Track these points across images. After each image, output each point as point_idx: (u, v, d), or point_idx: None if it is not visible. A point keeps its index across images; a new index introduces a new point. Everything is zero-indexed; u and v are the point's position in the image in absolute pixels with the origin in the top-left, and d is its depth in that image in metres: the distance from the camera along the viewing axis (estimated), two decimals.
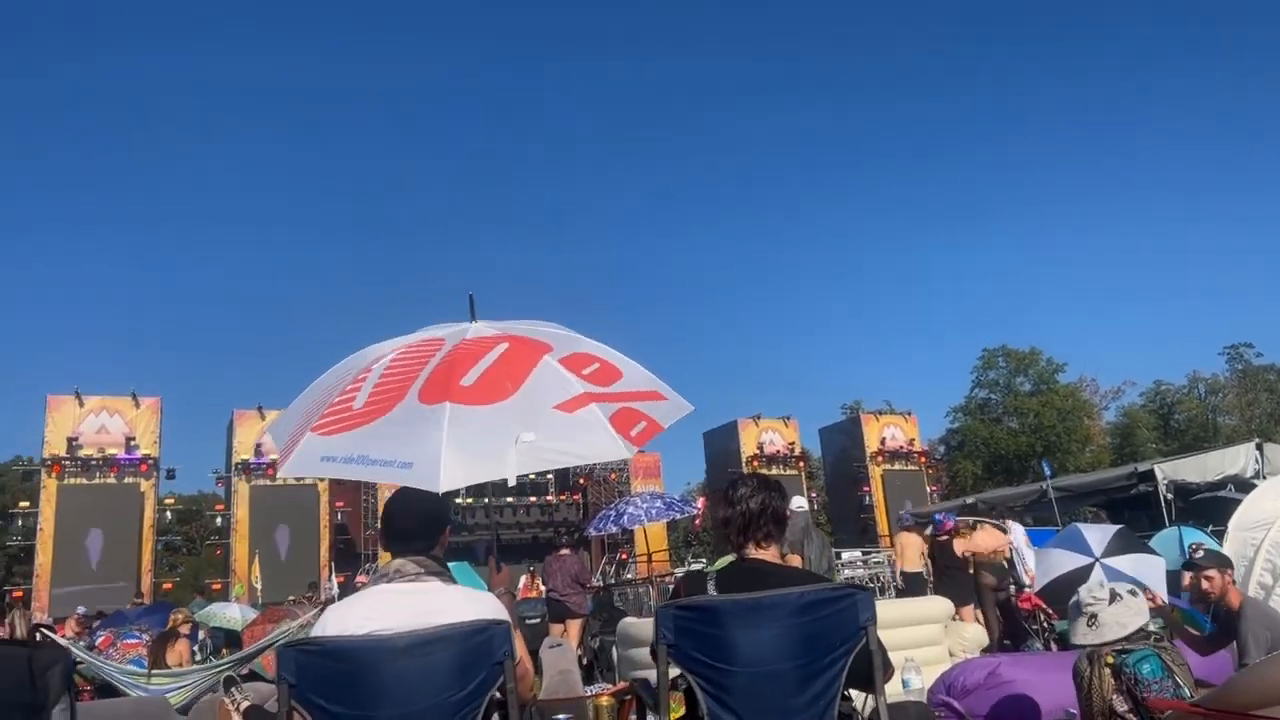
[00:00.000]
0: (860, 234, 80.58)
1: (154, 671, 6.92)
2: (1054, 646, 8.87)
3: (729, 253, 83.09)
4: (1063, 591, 8.82)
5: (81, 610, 16.55)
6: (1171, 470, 15.65)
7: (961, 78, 77.42)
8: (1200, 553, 6.37)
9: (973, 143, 77.12)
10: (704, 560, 27.90)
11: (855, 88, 79.82)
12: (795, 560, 8.58)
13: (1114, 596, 4.25)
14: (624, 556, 27.93)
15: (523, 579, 17.28)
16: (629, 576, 24.81)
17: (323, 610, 3.38)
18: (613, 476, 30.72)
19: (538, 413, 2.87)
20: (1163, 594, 6.85)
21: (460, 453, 2.68)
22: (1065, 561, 9.29)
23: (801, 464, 32.19)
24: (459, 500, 27.40)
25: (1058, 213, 76.61)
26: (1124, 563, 8.64)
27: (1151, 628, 4.24)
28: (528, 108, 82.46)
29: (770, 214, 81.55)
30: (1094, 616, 4.19)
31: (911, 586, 10.97)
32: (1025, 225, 77.22)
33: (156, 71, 72.65)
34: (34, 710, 1.95)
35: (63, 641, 8.18)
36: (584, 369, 3.13)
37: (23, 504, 23.90)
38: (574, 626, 11.11)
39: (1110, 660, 4.03)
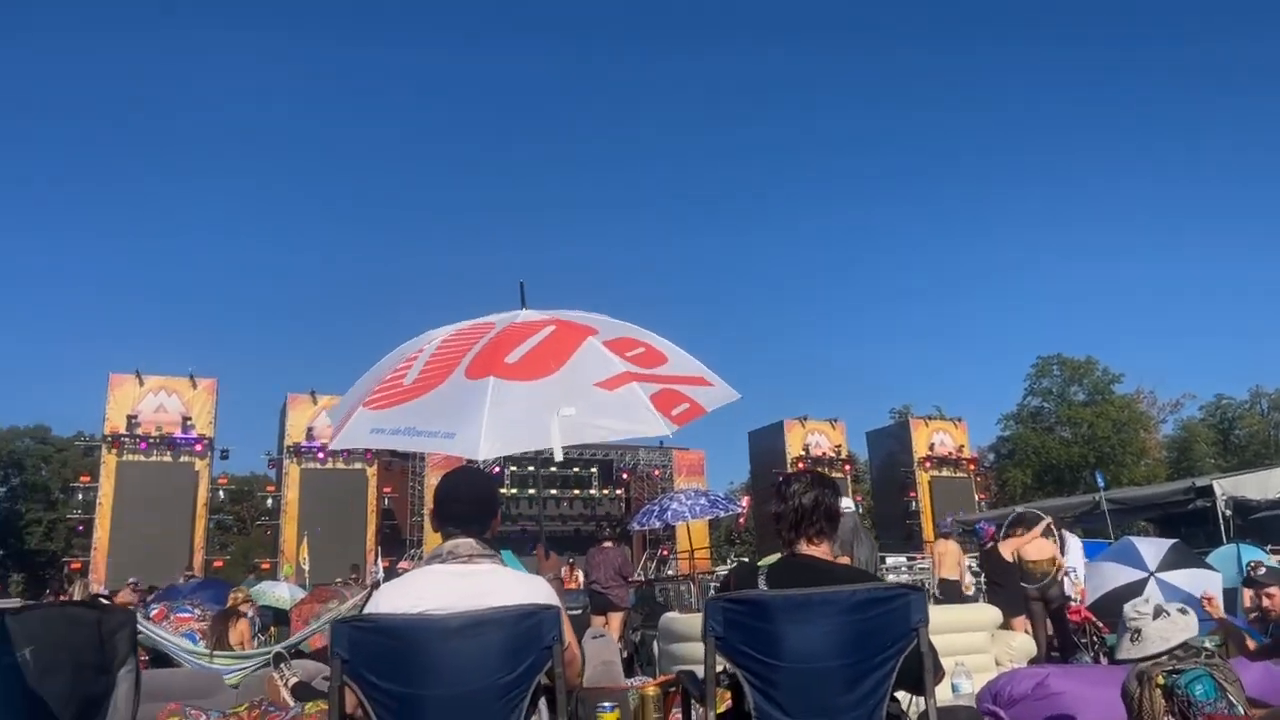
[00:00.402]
0: (917, 235, 79.64)
1: (216, 652, 7.07)
2: (1104, 660, 8.70)
3: (783, 252, 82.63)
4: (1115, 606, 8.65)
5: (134, 580, 16.97)
6: (1231, 486, 15.27)
7: (1020, 83, 76.08)
8: (1261, 570, 6.22)
9: (1035, 147, 75.78)
10: (746, 559, 27.80)
11: (912, 90, 78.84)
12: (845, 561, 8.49)
13: (1159, 612, 4.16)
14: (664, 553, 27.95)
15: (561, 570, 17.40)
16: (669, 572, 24.85)
17: (370, 592, 3.44)
18: (656, 473, 30.76)
19: (579, 389, 2.95)
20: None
21: (501, 424, 2.76)
22: (1118, 575, 9.12)
23: (848, 467, 31.93)
24: (503, 490, 27.65)
25: (1121, 220, 74.93)
26: (1180, 577, 8.46)
27: (1207, 644, 4.14)
28: (593, 101, 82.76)
29: (827, 214, 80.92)
30: (1138, 631, 4.11)
31: (948, 594, 10.82)
32: (1087, 232, 75.69)
33: (216, 51, 74.18)
34: (102, 670, 2.00)
35: None
36: (628, 351, 3.22)
37: (84, 478, 24.59)
38: (615, 619, 11.15)
39: (1161, 681, 3.93)
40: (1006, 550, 10.09)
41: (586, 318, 3.40)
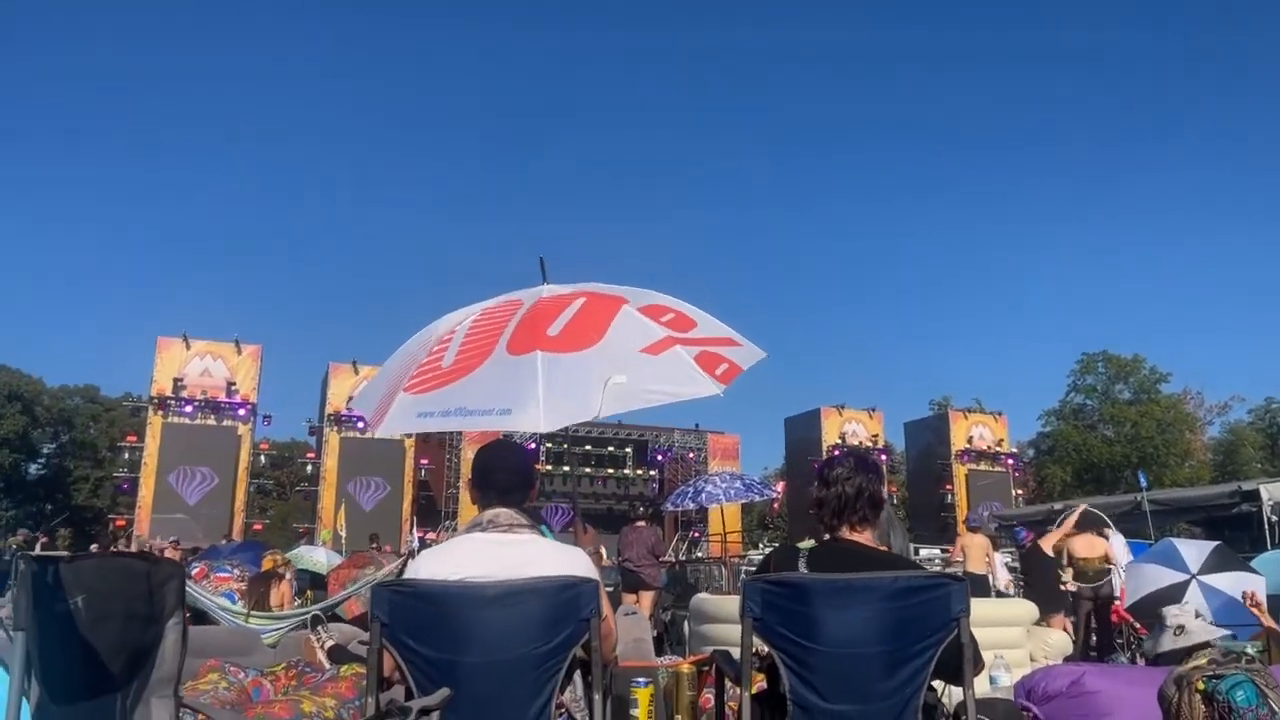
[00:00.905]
0: (966, 225, 78.49)
1: (253, 612, 7.21)
2: (1140, 661, 8.57)
3: (827, 237, 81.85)
4: (1155, 607, 8.51)
5: (174, 539, 17.34)
6: (1278, 491, 14.95)
7: (1075, 72, 74.46)
8: None
9: (1088, 139, 74.21)
10: (778, 545, 27.75)
11: (963, 76, 77.55)
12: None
13: (1196, 616, 4.14)
14: (695, 535, 28.02)
15: (601, 546, 17.43)
16: (699, 555, 24.90)
17: (406, 559, 3.48)
18: (690, 455, 30.77)
19: (625, 356, 2.98)
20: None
21: (556, 395, 2.80)
22: (1159, 577, 8.95)
23: (884, 457, 31.69)
24: (538, 466, 27.83)
25: (1175, 217, 73.25)
26: (1222, 580, 8.29)
27: (1249, 649, 4.06)
28: (649, 71, 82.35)
29: (875, 200, 79.90)
30: (1181, 627, 4.05)
31: (973, 589, 10.73)
32: (1140, 228, 74.12)
33: (272, 13, 74.88)
34: (151, 620, 2.04)
35: None
36: (662, 317, 3.23)
37: (130, 438, 25.14)
38: (646, 598, 11.20)
39: (1202, 686, 3.85)
40: (1047, 544, 9.97)
41: (611, 288, 3.41)
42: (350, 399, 25.48)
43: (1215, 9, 67.12)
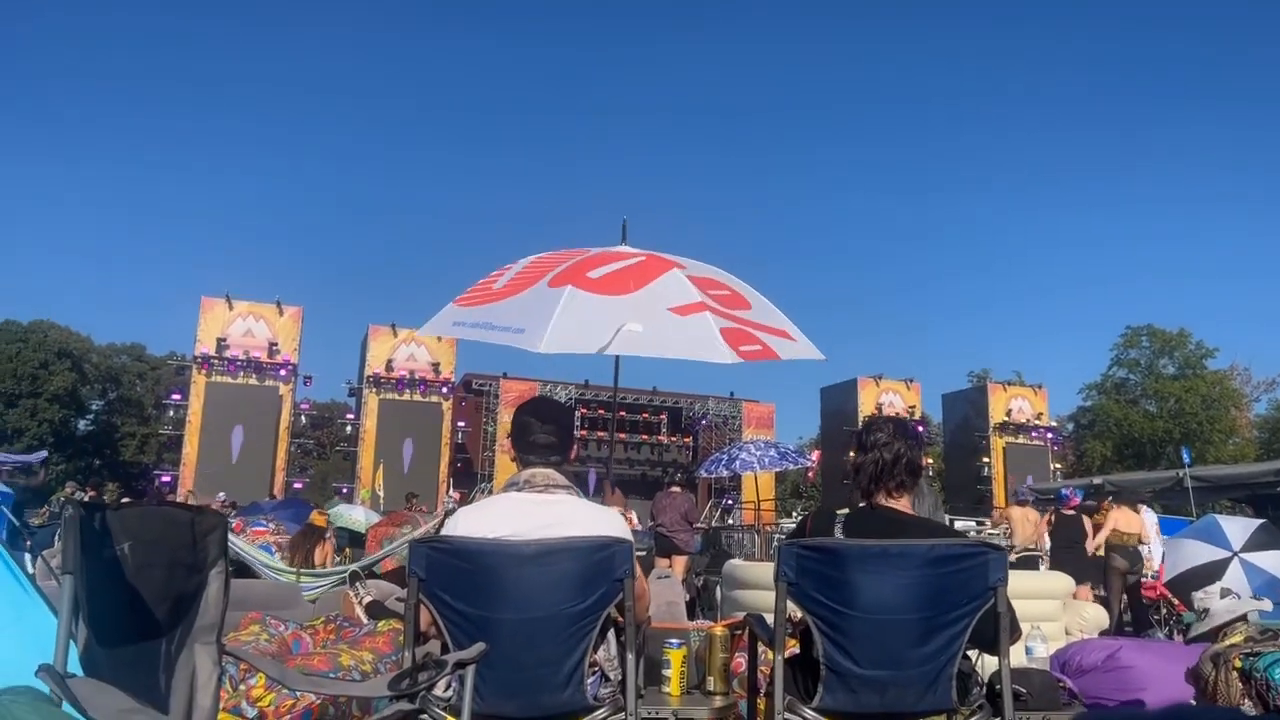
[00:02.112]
0: (1006, 197, 77.06)
1: (302, 570, 7.35)
2: (1178, 638, 8.48)
3: (871, 211, 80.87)
4: (1195, 584, 8.41)
5: (222, 496, 17.71)
6: None
7: (1120, 47, 72.39)
8: None
9: (1134, 114, 72.31)
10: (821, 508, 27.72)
11: (1010, 57, 75.70)
12: None
13: (1225, 594, 4.08)
14: (729, 502, 28.08)
15: (627, 510, 17.54)
16: (731, 522, 24.96)
17: (444, 518, 3.53)
18: (725, 423, 30.77)
19: (651, 310, 3.11)
20: None
21: (567, 326, 2.97)
22: (1199, 553, 8.85)
23: (920, 429, 31.45)
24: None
25: (1226, 188, 71.34)
26: (1266, 559, 8.17)
27: None
28: (696, 45, 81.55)
29: (917, 174, 78.75)
30: (1206, 610, 4.00)
31: (1021, 564, 10.61)
32: (1188, 199, 72.29)
33: None
34: (195, 568, 2.08)
35: None
36: (711, 290, 3.33)
37: (175, 396, 25.63)
38: (679, 563, 11.26)
39: (1239, 664, 3.80)
40: (1090, 522, 9.90)
41: (676, 257, 3.52)
42: (390, 360, 25.79)
43: None
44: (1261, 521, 9.06)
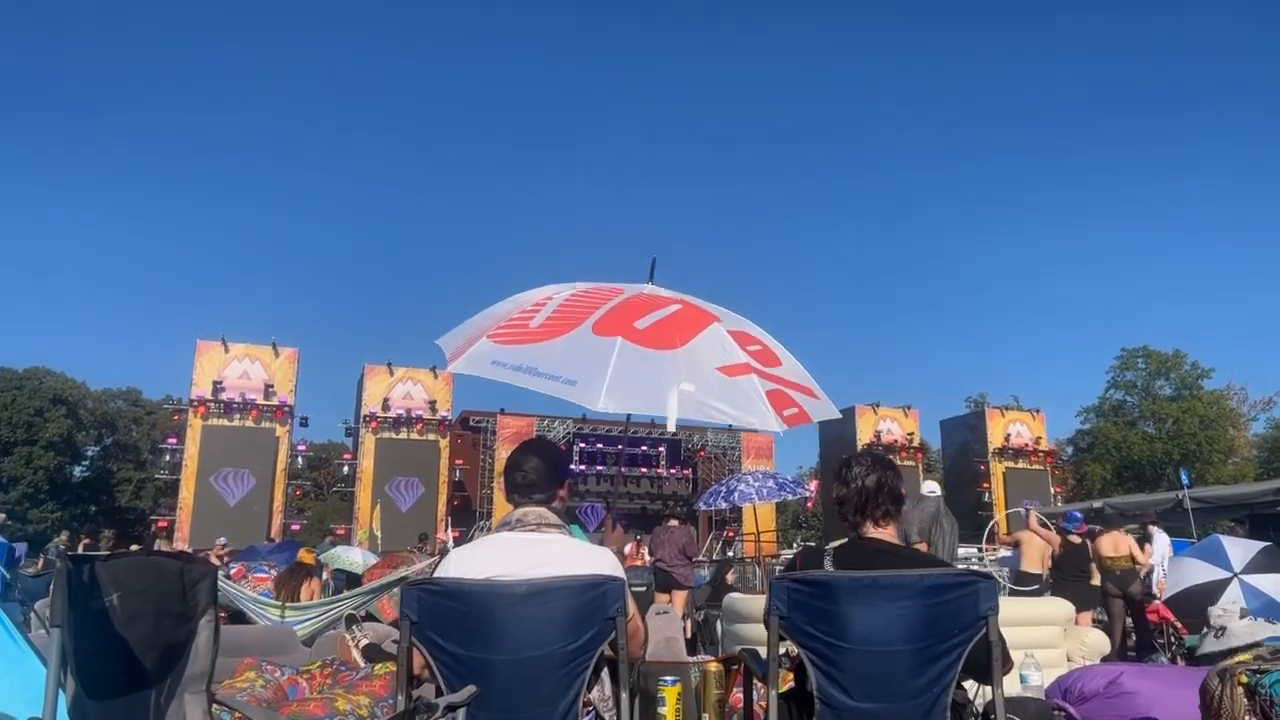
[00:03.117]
0: (998, 223, 77.55)
1: (287, 605, 7.29)
2: (1180, 662, 8.43)
3: (860, 236, 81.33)
4: (1193, 603, 8.38)
5: (222, 540, 17.60)
6: None
7: (1111, 67, 73.29)
8: None
9: (1124, 133, 73.02)
10: (813, 544, 27.62)
11: (998, 76, 76.58)
12: (922, 548, 8.37)
13: (1244, 614, 4.05)
14: (730, 534, 27.94)
15: (628, 546, 17.47)
16: (731, 554, 24.82)
17: (439, 558, 3.51)
18: (724, 454, 30.70)
19: (699, 369, 3.02)
20: None
21: (623, 383, 2.86)
22: (1200, 573, 8.82)
23: (920, 455, 31.42)
24: (572, 466, 27.89)
25: (1216, 208, 71.88)
26: (1266, 582, 8.14)
27: None
28: (657, 80, 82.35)
29: (913, 200, 79.34)
30: (1222, 629, 3.99)
31: (1025, 585, 10.52)
32: (1179, 220, 72.81)
33: (306, 25, 75.68)
34: (184, 619, 2.08)
35: None
36: (747, 346, 3.28)
37: (170, 440, 25.56)
38: (679, 597, 11.19)
39: (1244, 679, 3.79)
40: (1093, 546, 9.86)
41: (709, 305, 3.47)
42: (387, 400, 25.73)
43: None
44: (1266, 544, 9.03)
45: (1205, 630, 4.06)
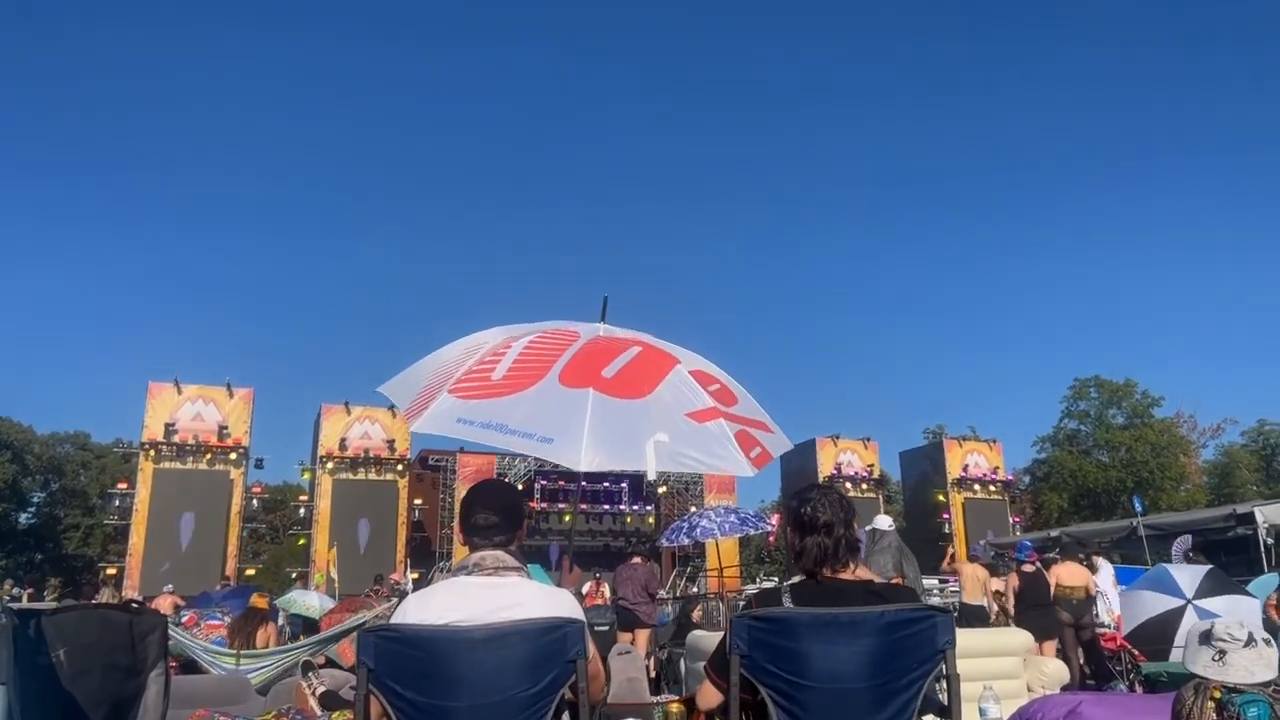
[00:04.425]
0: (954, 254, 78.97)
1: (241, 652, 7.12)
2: (1139, 689, 8.52)
3: (814, 271, 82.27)
4: (1153, 634, 8.49)
5: (169, 588, 17.18)
6: (1273, 513, 15.01)
7: (1062, 98, 75.40)
8: None
9: (1073, 163, 75.00)
10: (775, 578, 27.63)
11: (949, 106, 78.39)
12: (897, 581, 8.37)
13: (1250, 640, 4.02)
14: (693, 570, 27.84)
15: (587, 585, 17.32)
16: (695, 590, 24.71)
17: (398, 602, 3.45)
18: (686, 489, 30.67)
19: (670, 416, 2.98)
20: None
21: (601, 438, 2.79)
22: (1155, 604, 8.94)
23: (880, 488, 31.64)
24: (534, 505, 27.70)
25: (1162, 241, 73.86)
26: (1218, 604, 8.28)
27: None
28: (624, 104, 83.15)
29: (862, 230, 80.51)
30: (1223, 653, 3.98)
31: (969, 619, 10.61)
32: (1127, 253, 74.70)
33: (251, 56, 75.43)
34: (133, 672, 2.03)
35: None
36: (708, 386, 3.24)
37: (121, 485, 24.97)
38: (642, 636, 11.09)
39: (1217, 694, 3.83)
40: (1051, 575, 9.96)
41: (665, 344, 3.43)
42: (344, 440, 25.39)
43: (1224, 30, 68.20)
44: (1209, 568, 9.21)
45: (1202, 642, 3.97)
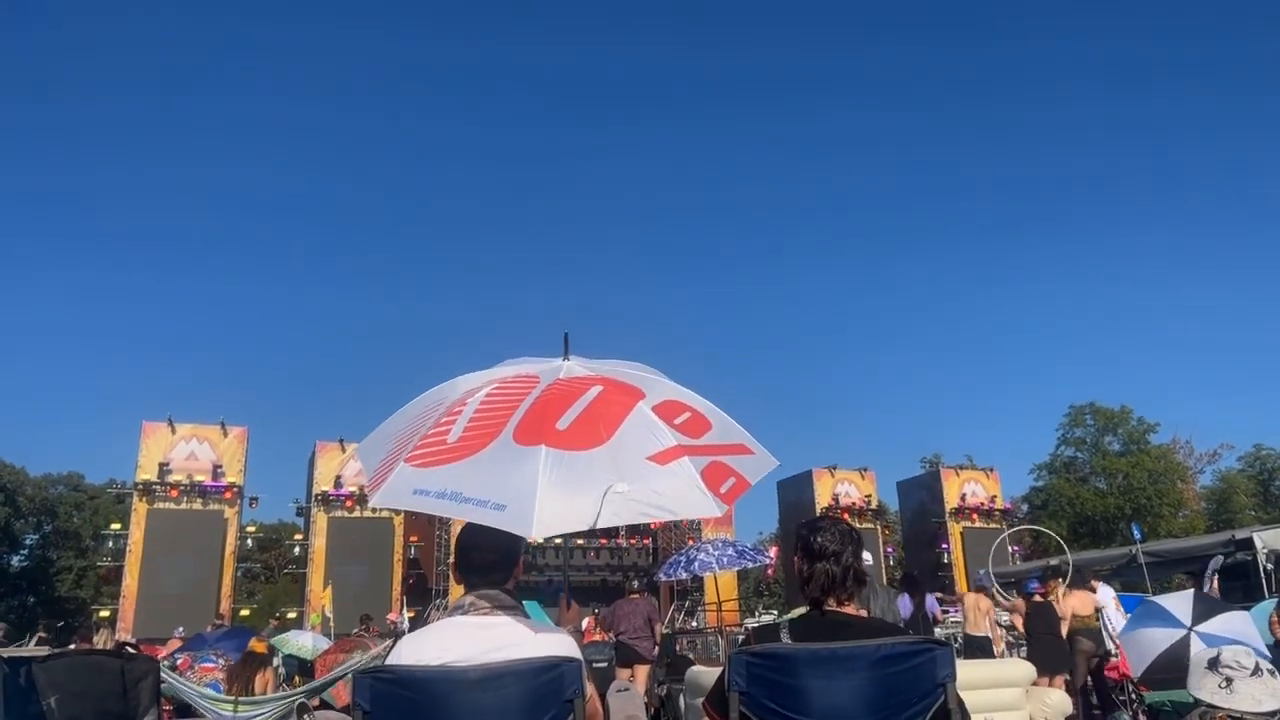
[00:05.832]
0: (951, 284, 79.35)
1: (239, 699, 7.03)
2: (1143, 719, 8.45)
3: (809, 302, 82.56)
4: (1167, 669, 8.39)
5: (180, 631, 16.92)
6: (1272, 539, 14.96)
7: (1057, 130, 76.17)
8: None
9: (1070, 194, 75.64)
10: (775, 612, 27.44)
11: (947, 137, 79.16)
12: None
13: (1257, 670, 3.99)
14: (692, 604, 27.63)
15: (585, 621, 17.17)
16: (694, 624, 24.52)
17: (394, 642, 3.41)
18: (684, 523, 30.50)
19: (631, 462, 2.86)
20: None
21: (554, 499, 2.67)
22: (1160, 639, 8.84)
23: (879, 519, 31.54)
24: (530, 540, 27.50)
25: (1157, 266, 74.35)
26: (1216, 625, 8.23)
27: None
28: (617, 146, 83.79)
29: (861, 263, 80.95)
30: (1230, 680, 3.94)
31: (972, 650, 10.53)
32: (1122, 282, 75.15)
33: (239, 92, 76.02)
34: (125, 718, 2.01)
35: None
36: (676, 418, 3.11)
37: (114, 526, 24.78)
38: (641, 672, 10.98)
39: None
40: (1064, 605, 9.89)
41: (632, 375, 3.31)
42: (339, 477, 25.27)
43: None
44: (1192, 591, 9.18)
45: (1209, 668, 3.92)
